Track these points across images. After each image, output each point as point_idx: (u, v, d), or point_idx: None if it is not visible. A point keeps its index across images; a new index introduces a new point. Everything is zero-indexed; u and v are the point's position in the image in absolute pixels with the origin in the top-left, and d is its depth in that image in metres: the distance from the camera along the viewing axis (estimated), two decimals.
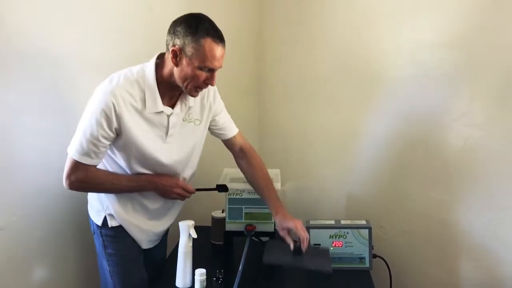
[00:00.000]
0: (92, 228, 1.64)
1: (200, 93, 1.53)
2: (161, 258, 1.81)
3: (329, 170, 2.11)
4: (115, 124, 1.41)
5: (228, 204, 1.76)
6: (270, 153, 2.17)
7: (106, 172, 1.53)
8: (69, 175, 1.45)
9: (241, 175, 1.76)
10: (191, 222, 1.57)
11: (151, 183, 1.54)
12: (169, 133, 1.52)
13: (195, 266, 1.55)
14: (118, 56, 1.80)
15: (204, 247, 1.87)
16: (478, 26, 1.69)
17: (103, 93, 1.41)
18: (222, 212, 1.92)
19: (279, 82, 2.16)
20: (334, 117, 2.07)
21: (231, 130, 1.71)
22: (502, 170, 1.70)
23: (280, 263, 1.50)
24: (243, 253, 1.53)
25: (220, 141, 1.77)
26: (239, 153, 1.73)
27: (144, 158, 1.50)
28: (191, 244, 1.57)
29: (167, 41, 1.43)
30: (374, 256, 1.73)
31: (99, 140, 1.41)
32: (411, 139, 1.91)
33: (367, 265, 1.72)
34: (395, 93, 1.92)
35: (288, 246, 1.54)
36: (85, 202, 1.68)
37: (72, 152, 1.44)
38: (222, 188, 1.71)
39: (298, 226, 1.55)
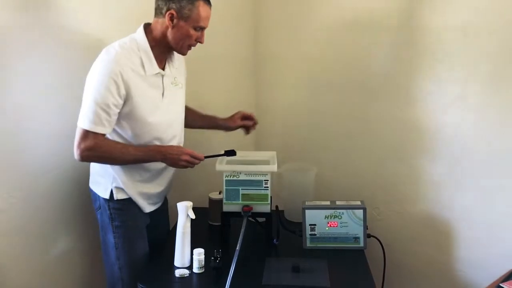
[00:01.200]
0: (98, 203, 1.67)
1: (178, 59, 1.69)
2: (164, 227, 1.89)
3: (325, 152, 2.13)
4: (123, 91, 1.49)
5: (225, 186, 1.77)
6: (267, 136, 2.18)
7: (114, 142, 1.58)
8: (79, 144, 1.50)
9: (238, 157, 1.78)
10: (189, 203, 1.59)
11: (159, 153, 1.59)
12: (164, 94, 1.62)
13: (193, 246, 1.58)
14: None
15: (201, 228, 1.90)
16: (473, 7, 1.70)
17: (106, 63, 1.48)
18: (219, 193, 1.94)
19: (276, 65, 2.16)
20: (330, 100, 2.07)
21: None
22: (494, 152, 1.73)
23: (279, 282, 1.53)
24: (240, 234, 1.56)
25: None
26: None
27: (147, 122, 1.57)
28: (189, 224, 1.59)
29: (159, 5, 1.55)
30: (369, 236, 1.76)
31: (109, 107, 1.48)
32: (406, 122, 1.93)
33: (362, 244, 1.75)
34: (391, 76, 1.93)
35: (287, 264, 1.57)
36: (86, 182, 1.70)
37: (84, 122, 1.49)
38: (230, 152, 1.76)
39: (242, 111, 1.81)
